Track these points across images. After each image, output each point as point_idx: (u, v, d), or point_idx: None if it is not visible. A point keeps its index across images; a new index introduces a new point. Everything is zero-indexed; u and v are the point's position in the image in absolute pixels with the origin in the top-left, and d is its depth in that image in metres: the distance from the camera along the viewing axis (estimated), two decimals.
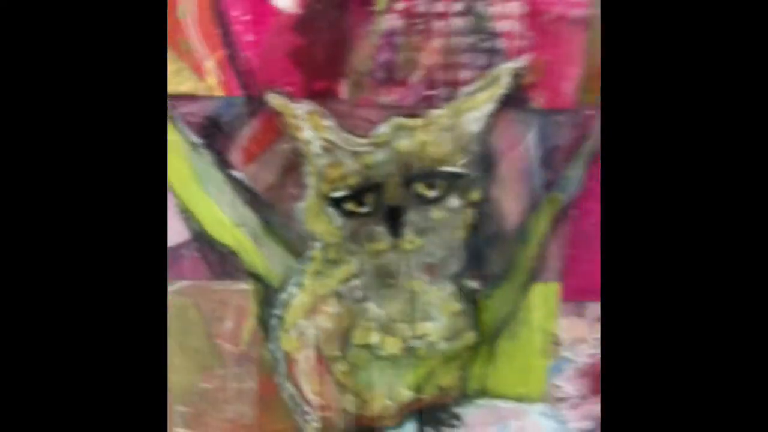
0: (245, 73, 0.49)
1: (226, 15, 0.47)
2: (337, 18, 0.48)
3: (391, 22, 0.49)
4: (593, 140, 0.52)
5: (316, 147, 0.51)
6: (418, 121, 0.53)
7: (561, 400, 0.60)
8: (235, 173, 0.51)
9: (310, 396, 0.58)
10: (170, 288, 0.52)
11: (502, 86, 0.51)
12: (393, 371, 0.58)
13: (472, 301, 0.57)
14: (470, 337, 0.58)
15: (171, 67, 0.48)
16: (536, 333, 0.58)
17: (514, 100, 0.52)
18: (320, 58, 0.49)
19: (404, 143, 0.51)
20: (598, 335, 0.57)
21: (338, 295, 0.56)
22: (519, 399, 0.60)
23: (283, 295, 0.56)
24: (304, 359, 0.58)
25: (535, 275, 0.57)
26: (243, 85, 0.49)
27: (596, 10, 0.47)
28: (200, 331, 0.53)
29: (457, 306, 0.57)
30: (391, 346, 0.57)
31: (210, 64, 0.48)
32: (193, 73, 0.48)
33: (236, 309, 0.56)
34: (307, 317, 0.56)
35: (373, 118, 0.51)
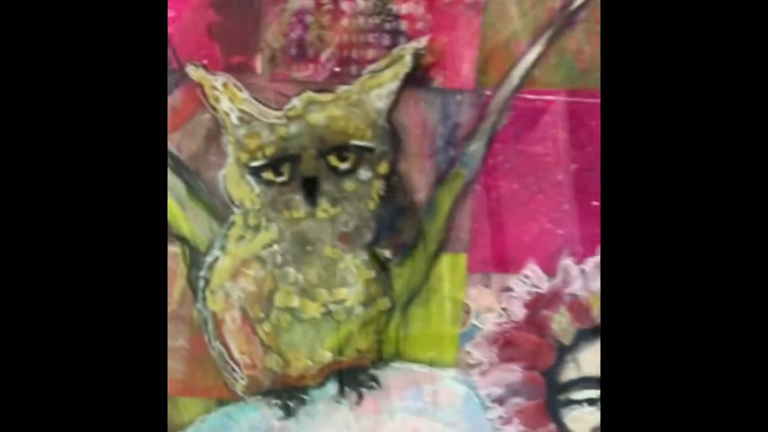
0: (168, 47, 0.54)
1: None
2: None
3: (301, 1, 0.53)
4: (491, 119, 0.55)
5: (233, 118, 0.55)
6: (328, 96, 0.56)
7: (472, 366, 0.63)
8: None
9: (237, 355, 0.62)
10: None
11: (404, 65, 0.54)
12: (314, 333, 0.61)
13: (385, 269, 0.60)
14: (384, 303, 0.61)
15: None
16: (446, 301, 0.61)
17: (417, 80, 0.56)
18: (236, 33, 0.54)
19: (316, 117, 0.55)
20: (505, 305, 0.61)
21: (260, 260, 0.59)
22: (432, 364, 0.63)
23: (209, 258, 0.60)
24: (231, 320, 0.61)
25: (443, 246, 0.60)
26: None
27: None
28: None
29: (371, 273, 0.60)
30: (311, 309, 0.60)
31: None
32: None
33: (167, 270, 0.58)
34: (232, 280, 0.60)
35: (287, 92, 0.55)
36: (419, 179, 0.59)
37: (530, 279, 0.62)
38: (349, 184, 0.58)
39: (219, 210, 0.60)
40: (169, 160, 0.58)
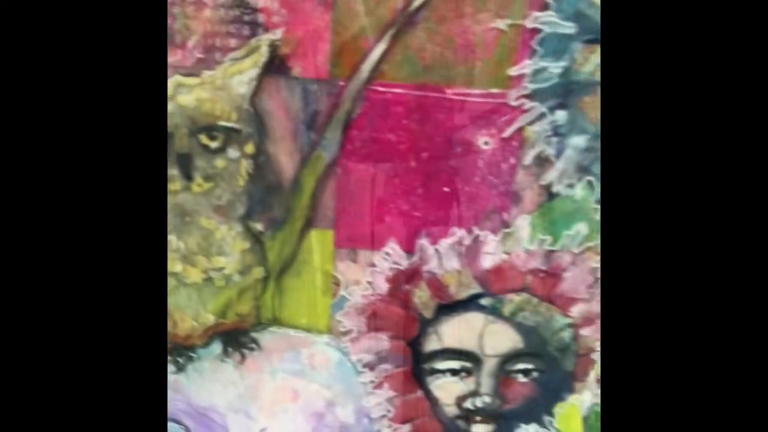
0: None
1: None
2: None
3: None
4: (346, 107, 0.60)
5: None
6: (194, 80, 0.61)
7: (343, 333, 0.67)
8: None
9: None
10: None
11: (262, 54, 0.59)
12: (197, 297, 0.65)
13: (258, 241, 0.65)
14: (259, 271, 0.66)
15: None
16: (317, 273, 0.65)
17: (276, 68, 0.60)
18: None
19: (185, 99, 0.60)
20: (370, 279, 0.65)
21: None
22: (307, 329, 0.67)
23: None
24: None
25: (310, 222, 0.64)
26: None
27: None
28: None
29: (245, 244, 0.64)
30: (193, 275, 0.65)
31: None
32: None
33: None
34: None
35: None
36: (285, 160, 0.63)
37: (391, 256, 0.65)
38: (219, 162, 0.63)
39: None
40: None
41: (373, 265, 0.66)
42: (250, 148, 0.62)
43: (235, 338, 0.69)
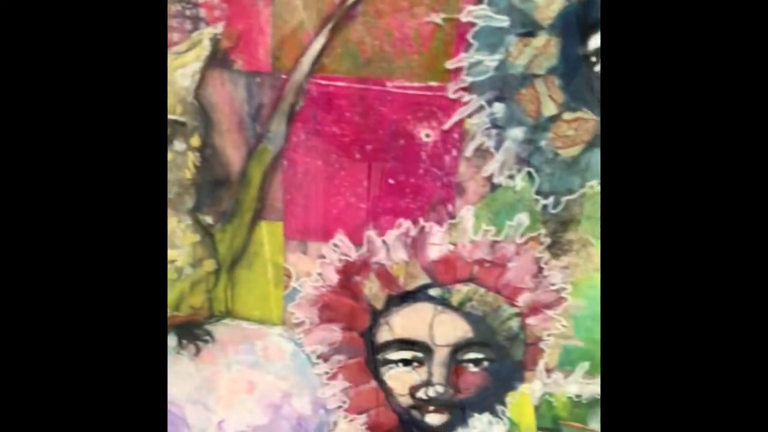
0: None
1: None
2: None
3: None
4: (289, 100, 0.61)
5: None
6: None
7: (296, 325, 0.68)
8: None
9: None
10: None
11: (204, 48, 0.60)
12: None
13: (208, 233, 0.65)
14: (210, 264, 0.66)
15: None
16: (268, 265, 0.66)
17: (220, 62, 0.60)
18: None
19: None
20: (320, 270, 0.66)
21: None
22: (260, 321, 0.68)
23: None
24: None
25: (259, 215, 0.65)
26: None
27: None
28: None
29: (196, 237, 0.65)
30: None
31: None
32: None
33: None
34: None
35: None
36: (232, 153, 0.64)
37: (340, 248, 0.66)
38: (167, 155, 0.62)
39: None
40: None
41: (322, 256, 0.66)
42: (196, 141, 0.62)
43: (190, 331, 0.70)
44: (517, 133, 0.58)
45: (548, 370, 0.66)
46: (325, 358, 0.70)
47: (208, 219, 0.66)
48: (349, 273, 0.66)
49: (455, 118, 0.58)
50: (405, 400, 0.69)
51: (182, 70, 0.59)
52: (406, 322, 0.68)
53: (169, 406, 0.70)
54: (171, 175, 0.63)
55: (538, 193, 0.61)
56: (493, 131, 0.58)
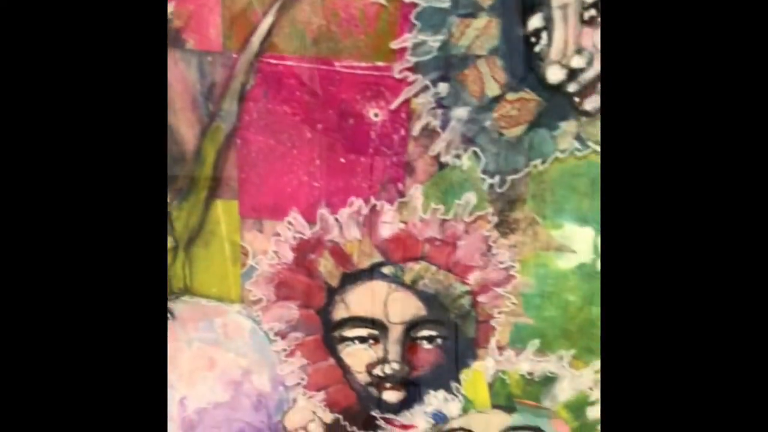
0: None
1: None
2: None
3: None
4: (240, 79, 0.62)
5: None
6: None
7: (254, 302, 0.69)
8: None
9: None
10: None
11: None
12: None
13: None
14: (168, 242, 0.67)
15: None
16: (225, 243, 0.67)
17: (172, 41, 0.61)
18: None
19: None
20: (276, 248, 0.67)
21: None
22: (219, 299, 0.69)
23: None
24: None
25: (215, 193, 0.66)
26: None
27: None
28: None
29: None
30: None
31: None
32: None
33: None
34: None
35: None
36: (186, 131, 0.65)
37: (294, 226, 0.67)
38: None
39: None
40: None
41: (277, 234, 0.66)
42: None
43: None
44: (461, 112, 0.59)
45: (500, 348, 0.66)
46: (282, 335, 0.71)
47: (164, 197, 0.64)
48: (303, 251, 0.67)
49: (401, 97, 0.59)
50: (363, 378, 0.71)
51: None
52: (361, 300, 0.69)
53: None
54: None
55: (484, 172, 0.61)
56: (439, 111, 0.59)
